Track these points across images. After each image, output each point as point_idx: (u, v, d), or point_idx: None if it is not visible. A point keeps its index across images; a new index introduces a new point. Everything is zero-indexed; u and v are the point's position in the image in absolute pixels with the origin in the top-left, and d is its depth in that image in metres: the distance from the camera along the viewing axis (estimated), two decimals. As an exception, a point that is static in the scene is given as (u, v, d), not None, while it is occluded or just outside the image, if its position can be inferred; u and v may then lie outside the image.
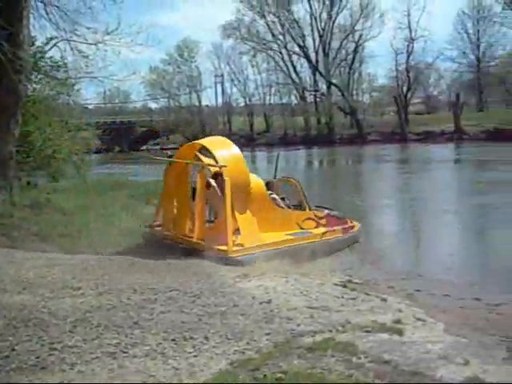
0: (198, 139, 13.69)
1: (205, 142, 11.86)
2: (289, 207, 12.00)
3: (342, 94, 68.64)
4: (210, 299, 6.49)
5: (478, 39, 75.24)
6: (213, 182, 10.77)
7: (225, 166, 10.25)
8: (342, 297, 6.99)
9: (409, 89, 71.22)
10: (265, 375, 4.31)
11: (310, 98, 74.17)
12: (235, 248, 9.81)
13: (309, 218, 11.87)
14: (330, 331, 5.52)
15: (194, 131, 71.90)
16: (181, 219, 11.29)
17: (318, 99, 71.78)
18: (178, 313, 5.94)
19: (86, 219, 12.95)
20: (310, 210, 12.09)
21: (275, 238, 10.67)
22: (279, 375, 4.29)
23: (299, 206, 12.14)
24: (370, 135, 64.03)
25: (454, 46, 75.87)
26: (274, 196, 11.76)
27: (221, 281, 7.51)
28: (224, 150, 10.90)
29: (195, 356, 4.80)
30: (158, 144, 74.19)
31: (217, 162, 10.54)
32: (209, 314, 5.95)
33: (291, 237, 11.01)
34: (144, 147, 73.69)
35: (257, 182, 11.31)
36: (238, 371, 4.43)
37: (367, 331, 5.57)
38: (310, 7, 70.74)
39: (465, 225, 15.85)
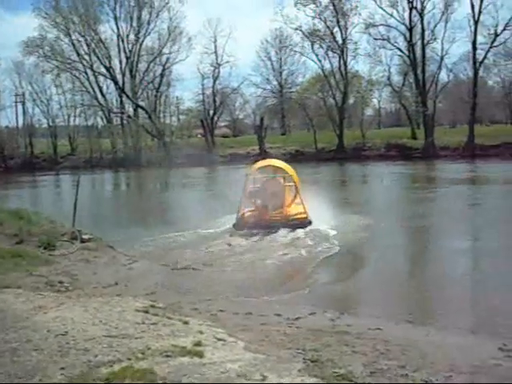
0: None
1: (274, 162, 21.30)
2: None
3: (149, 117, 68.50)
4: (-1, 336, 6.02)
5: (281, 66, 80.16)
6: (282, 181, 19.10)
7: (293, 174, 19.34)
8: (143, 323, 6.84)
9: (215, 112, 73.15)
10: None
11: (116, 120, 73.01)
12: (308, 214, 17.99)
13: None
14: (129, 359, 5.38)
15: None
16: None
17: (124, 121, 70.71)
18: (-40, 356, 5.43)
19: None
20: None
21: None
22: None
23: None
24: (178, 158, 64.49)
25: (258, 72, 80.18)
26: None
27: (14, 315, 7.00)
28: (283, 165, 20.20)
29: (-23, 402, 4.42)
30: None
31: (287, 172, 19.33)
32: (-3, 352, 5.51)
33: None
34: None
35: None
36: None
37: (167, 356, 5.51)
38: (118, 28, 70.13)
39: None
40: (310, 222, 17.76)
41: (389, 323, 8.78)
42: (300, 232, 17.23)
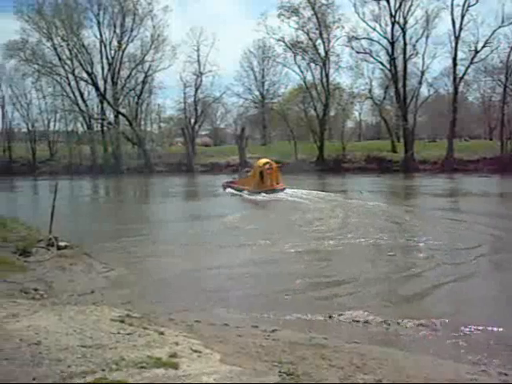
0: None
1: (268, 160, 38.29)
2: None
3: (130, 124, 68.14)
4: (-31, 344, 5.88)
5: (263, 77, 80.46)
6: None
7: (277, 163, 39.01)
8: (119, 333, 6.73)
9: (196, 121, 73.03)
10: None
11: (97, 127, 72.47)
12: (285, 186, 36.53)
13: None
14: (103, 370, 5.28)
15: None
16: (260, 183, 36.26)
17: (105, 128, 70.22)
18: None
19: None
20: None
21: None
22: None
23: None
24: (158, 166, 64.22)
25: (240, 82, 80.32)
26: None
27: (-14, 323, 6.87)
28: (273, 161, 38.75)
29: None
30: None
31: (277, 163, 39.13)
32: (-34, 362, 5.37)
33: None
34: None
35: None
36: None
37: (142, 367, 5.43)
38: (100, 34, 69.74)
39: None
40: (284, 189, 35.37)
41: (365, 337, 8.77)
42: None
